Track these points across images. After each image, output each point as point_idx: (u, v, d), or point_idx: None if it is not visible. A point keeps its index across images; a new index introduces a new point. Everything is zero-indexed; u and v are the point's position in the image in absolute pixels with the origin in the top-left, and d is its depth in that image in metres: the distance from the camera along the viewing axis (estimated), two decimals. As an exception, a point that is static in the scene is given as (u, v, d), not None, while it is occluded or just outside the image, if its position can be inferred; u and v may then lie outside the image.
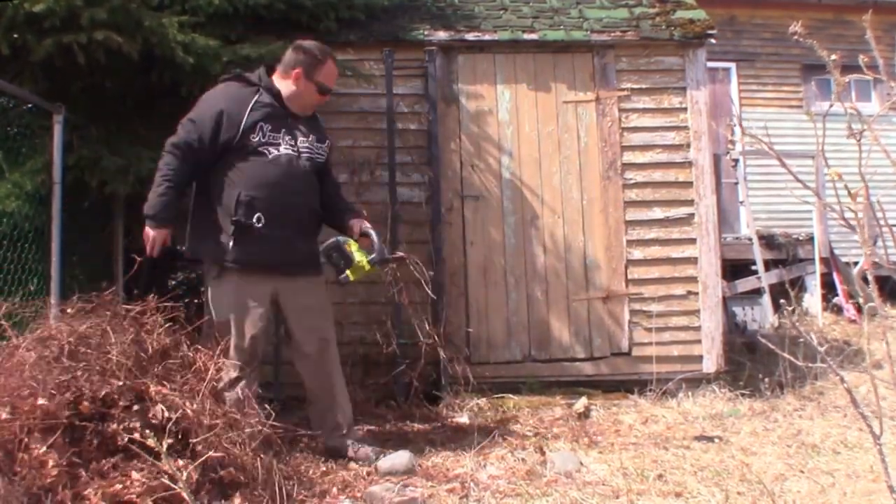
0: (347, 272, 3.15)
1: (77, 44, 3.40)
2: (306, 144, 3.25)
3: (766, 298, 6.96)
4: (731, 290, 7.00)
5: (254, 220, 3.02)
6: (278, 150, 3.14)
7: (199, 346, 2.85)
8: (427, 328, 4.42)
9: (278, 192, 3.09)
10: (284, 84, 3.25)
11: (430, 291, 4.25)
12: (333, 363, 3.33)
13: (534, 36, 4.77)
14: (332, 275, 3.24)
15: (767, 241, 7.72)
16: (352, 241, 3.21)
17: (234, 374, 3.01)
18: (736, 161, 7.86)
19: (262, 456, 2.64)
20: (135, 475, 2.30)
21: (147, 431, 2.29)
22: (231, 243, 3.02)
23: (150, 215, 3.03)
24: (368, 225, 3.32)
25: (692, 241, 4.73)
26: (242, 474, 2.52)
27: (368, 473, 3.03)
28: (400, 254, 4.03)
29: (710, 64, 6.10)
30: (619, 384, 4.60)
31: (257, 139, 3.11)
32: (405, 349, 4.40)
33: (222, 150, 3.09)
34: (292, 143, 3.19)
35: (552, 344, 4.66)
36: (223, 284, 3.10)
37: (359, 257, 3.15)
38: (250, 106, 3.13)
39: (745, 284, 7.23)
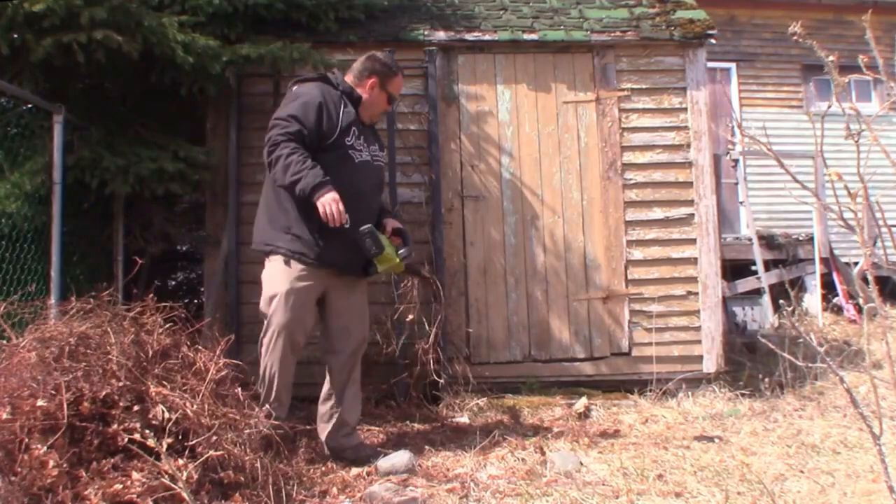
0: (376, 263, 3.22)
1: (77, 43, 3.40)
2: (376, 152, 3.37)
3: (766, 298, 6.96)
4: (731, 290, 7.00)
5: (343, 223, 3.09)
6: (361, 156, 3.25)
7: (200, 347, 2.86)
8: (427, 328, 4.43)
9: (360, 196, 3.19)
10: (356, 89, 3.34)
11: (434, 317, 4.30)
12: (358, 363, 3.39)
13: (534, 36, 4.77)
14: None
15: (767, 241, 7.72)
16: (384, 236, 3.28)
17: (278, 353, 3.14)
18: (736, 161, 7.86)
19: (262, 456, 2.64)
20: (135, 475, 2.30)
21: (147, 432, 2.29)
22: (315, 242, 3.10)
23: (319, 182, 2.96)
24: (402, 227, 3.42)
25: (692, 241, 4.73)
26: (242, 474, 2.52)
27: (368, 473, 3.04)
28: (426, 273, 4.14)
29: (710, 64, 6.10)
30: (619, 384, 4.60)
31: (350, 142, 3.20)
32: (405, 349, 4.40)
33: (317, 145, 3.13)
34: (366, 149, 3.30)
35: (552, 344, 4.66)
36: (290, 271, 3.15)
37: (389, 249, 3.22)
38: (342, 108, 3.21)
39: (745, 284, 7.23)
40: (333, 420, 3.30)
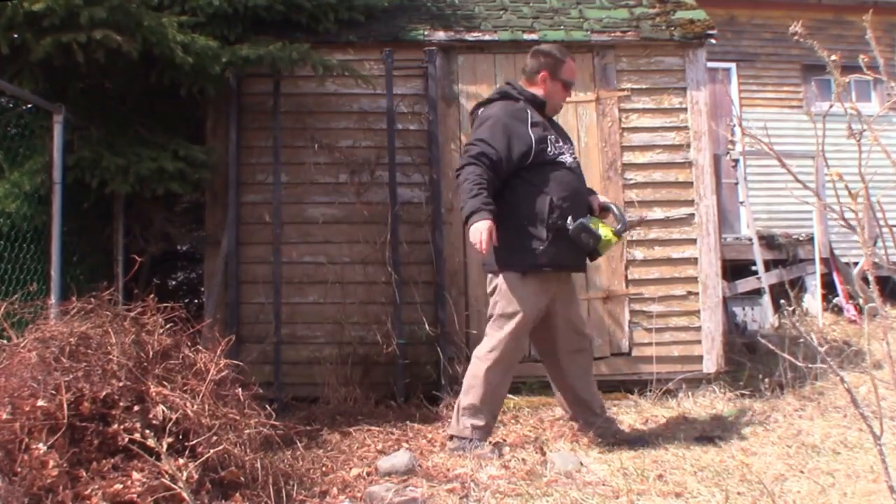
0: (598, 249, 3.34)
1: (76, 43, 3.40)
2: (571, 148, 3.46)
3: (766, 298, 6.96)
4: (731, 290, 6.99)
5: (567, 223, 3.23)
6: (566, 158, 3.37)
7: (200, 347, 2.86)
8: (427, 328, 4.43)
9: (576, 196, 3.34)
10: (535, 91, 3.42)
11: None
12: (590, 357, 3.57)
13: (534, 36, 4.77)
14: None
15: (767, 241, 7.71)
16: (593, 219, 3.37)
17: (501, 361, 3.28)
18: (736, 161, 7.85)
19: (262, 456, 2.64)
20: (135, 475, 2.30)
21: (147, 432, 2.29)
22: (543, 247, 3.22)
23: (475, 210, 3.11)
24: (606, 199, 3.55)
25: (692, 241, 4.73)
26: (242, 474, 2.52)
27: (368, 473, 3.03)
28: (641, 216, 4.27)
29: (711, 64, 6.09)
30: (620, 384, 4.59)
31: (552, 151, 3.30)
32: (405, 349, 4.40)
33: (517, 164, 3.25)
34: (566, 149, 3.41)
35: (552, 344, 4.65)
36: (526, 284, 3.26)
37: (604, 232, 3.31)
38: (530, 121, 3.32)
39: (745, 284, 7.22)
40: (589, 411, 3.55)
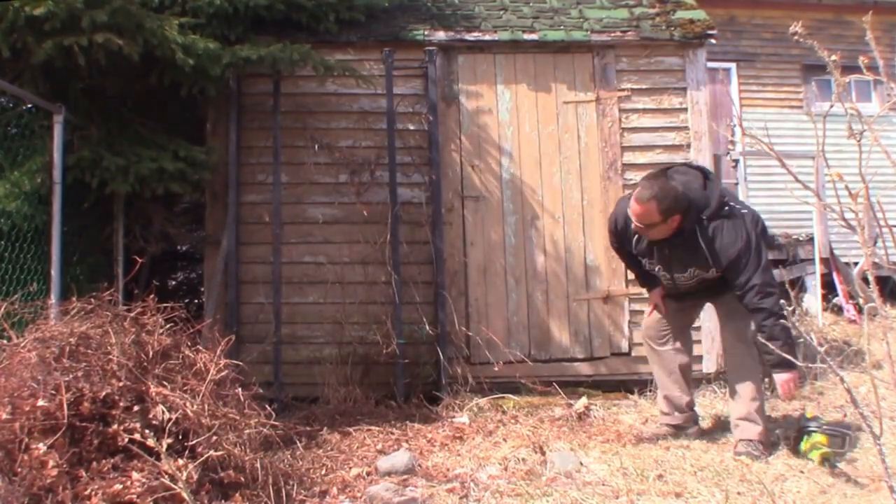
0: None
1: (77, 45, 3.40)
2: (683, 277, 3.37)
3: (766, 299, 6.93)
4: (731, 290, 6.97)
5: None
6: (658, 279, 3.51)
7: (200, 347, 2.86)
8: (427, 328, 4.43)
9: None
10: None
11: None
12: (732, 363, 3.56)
13: (534, 36, 4.77)
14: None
15: (767, 241, 7.68)
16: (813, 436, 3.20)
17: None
18: (736, 161, 7.85)
19: (262, 456, 2.64)
20: (135, 475, 2.30)
21: (147, 432, 2.29)
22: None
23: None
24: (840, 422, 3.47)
25: (692, 241, 4.72)
26: (242, 474, 2.52)
27: (368, 473, 3.04)
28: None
29: (711, 64, 6.09)
30: (619, 384, 4.59)
31: (647, 266, 3.46)
32: (405, 349, 4.40)
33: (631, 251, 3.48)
34: (668, 276, 3.40)
35: (552, 344, 4.66)
36: None
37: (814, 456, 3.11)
38: (634, 238, 3.40)
39: (744, 285, 7.20)
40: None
